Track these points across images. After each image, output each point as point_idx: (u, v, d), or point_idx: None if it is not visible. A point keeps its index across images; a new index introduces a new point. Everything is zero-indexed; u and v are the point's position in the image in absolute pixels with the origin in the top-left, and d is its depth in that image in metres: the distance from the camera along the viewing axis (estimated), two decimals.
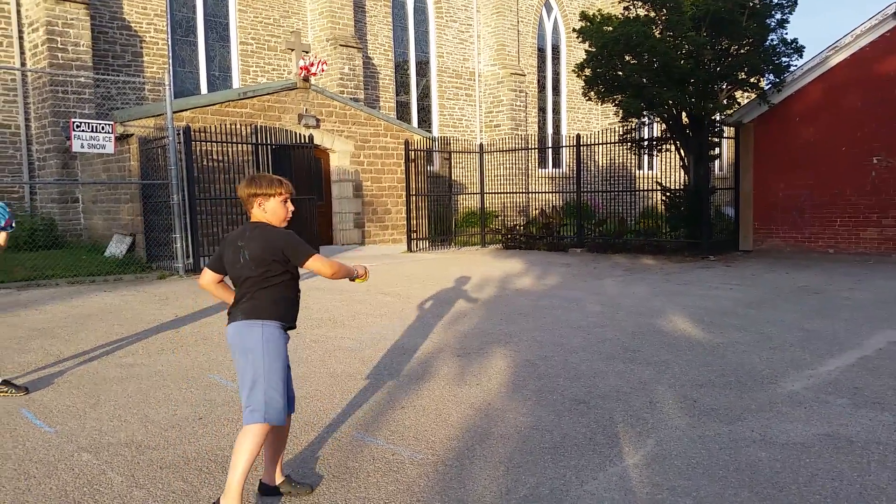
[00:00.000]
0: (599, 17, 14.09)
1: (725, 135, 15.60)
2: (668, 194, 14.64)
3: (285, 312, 3.19)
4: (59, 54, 14.50)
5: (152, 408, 4.67)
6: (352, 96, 18.95)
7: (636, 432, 4.07)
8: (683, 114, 13.98)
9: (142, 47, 16.54)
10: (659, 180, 15.18)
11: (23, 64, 14.98)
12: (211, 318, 7.79)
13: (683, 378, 5.18)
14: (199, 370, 5.58)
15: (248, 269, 3.12)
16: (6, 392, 4.96)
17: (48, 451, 3.92)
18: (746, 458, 3.67)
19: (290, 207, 3.25)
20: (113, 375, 5.50)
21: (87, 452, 3.89)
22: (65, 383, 5.28)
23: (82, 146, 10.79)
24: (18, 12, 14.95)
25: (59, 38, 14.48)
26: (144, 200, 12.75)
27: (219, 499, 3.03)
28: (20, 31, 15.00)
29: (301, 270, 3.25)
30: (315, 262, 3.13)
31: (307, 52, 16.39)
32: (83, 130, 10.74)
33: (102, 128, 10.96)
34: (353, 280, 3.40)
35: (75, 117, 12.83)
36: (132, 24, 16.37)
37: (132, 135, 12.83)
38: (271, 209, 3.17)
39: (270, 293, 3.13)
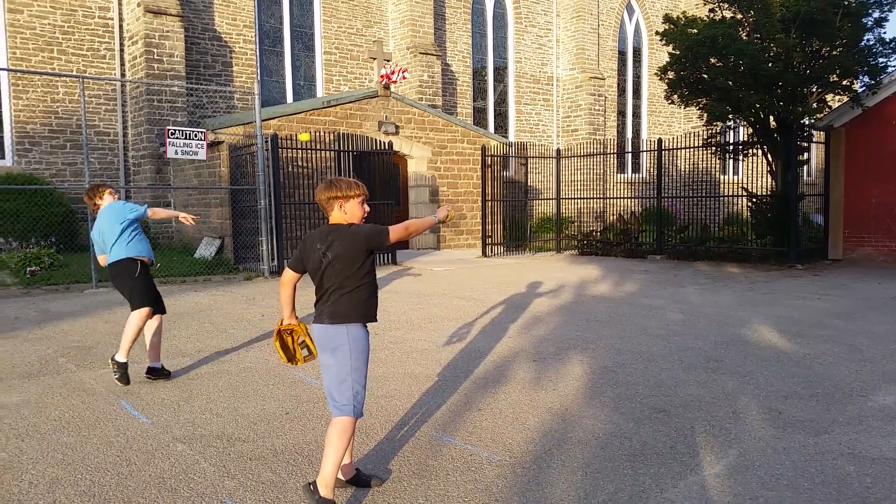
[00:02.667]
0: (684, 19, 13.82)
1: (815, 139, 15.01)
2: (753, 200, 14.20)
3: (367, 312, 3.36)
4: (155, 65, 15.30)
5: (242, 402, 4.89)
6: (430, 103, 19.19)
7: (718, 442, 4.00)
8: (771, 118, 13.54)
9: (231, 57, 17.25)
10: (744, 186, 14.74)
11: (122, 75, 15.87)
12: None
13: (768, 389, 5.04)
14: (285, 367, 5.80)
15: (331, 271, 3.26)
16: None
17: (146, 440, 4.17)
18: (834, 472, 3.56)
19: (367, 208, 3.43)
20: (204, 371, 5.78)
21: (182, 443, 4.11)
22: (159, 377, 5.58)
23: (176, 153, 11.34)
24: (120, 27, 15.87)
25: (155, 50, 15.28)
26: (233, 205, 13.29)
27: (314, 482, 3.20)
28: (121, 45, 15.91)
29: (382, 273, 3.37)
30: (395, 234, 3.34)
31: (388, 61, 16.73)
32: (177, 138, 11.29)
33: (195, 135, 11.49)
34: (444, 222, 3.58)
35: (169, 125, 13.52)
36: (222, 35, 17.09)
37: (222, 142, 13.39)
38: (350, 210, 3.34)
39: (353, 297, 3.27)
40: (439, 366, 5.84)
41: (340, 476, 3.44)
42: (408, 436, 4.18)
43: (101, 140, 15.85)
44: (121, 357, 5.32)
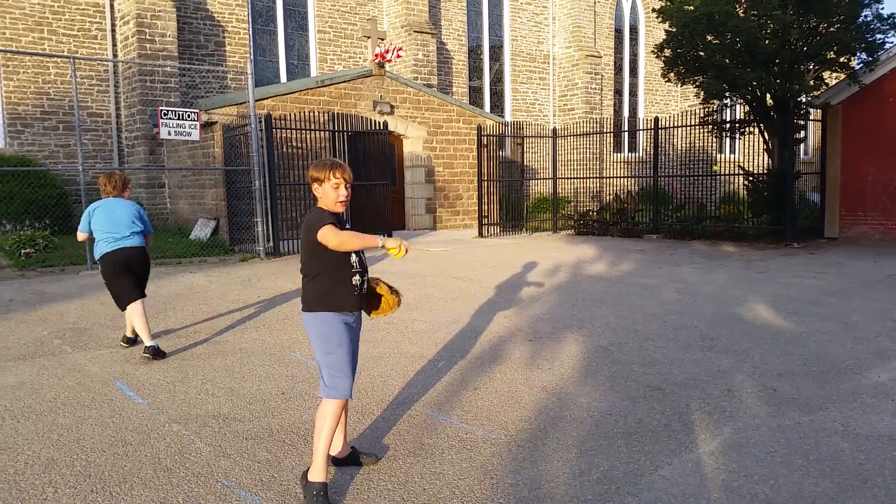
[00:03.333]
0: None
1: (812, 117, 14.96)
2: (750, 179, 14.17)
3: (337, 301, 3.24)
4: (148, 45, 15.14)
5: (237, 383, 4.89)
6: (425, 82, 19.05)
7: (713, 420, 4.02)
8: (768, 95, 13.48)
9: (224, 37, 17.07)
10: (741, 164, 14.71)
11: (114, 55, 15.71)
12: (291, 299, 8.05)
13: (763, 367, 5.06)
14: (280, 348, 5.80)
15: (301, 256, 3.30)
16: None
17: (141, 420, 4.17)
18: (828, 449, 3.58)
19: (343, 192, 3.21)
20: (200, 352, 5.78)
21: (177, 423, 4.11)
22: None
23: (169, 133, 11.25)
24: (111, 6, 15.68)
25: (147, 30, 15.12)
26: (227, 186, 13.22)
27: (307, 470, 3.19)
28: (113, 25, 15.73)
29: (370, 253, 3.36)
30: (322, 233, 3.07)
31: (383, 40, 16.58)
32: (170, 118, 11.19)
33: (189, 116, 11.39)
34: (388, 252, 3.18)
35: (162, 106, 13.40)
36: (215, 15, 16.91)
37: (216, 122, 13.29)
38: (323, 193, 3.23)
39: (316, 284, 3.24)
40: (435, 346, 5.84)
41: (336, 455, 3.44)
42: (403, 415, 4.19)
43: (94, 121, 15.72)
44: (150, 342, 5.63)
